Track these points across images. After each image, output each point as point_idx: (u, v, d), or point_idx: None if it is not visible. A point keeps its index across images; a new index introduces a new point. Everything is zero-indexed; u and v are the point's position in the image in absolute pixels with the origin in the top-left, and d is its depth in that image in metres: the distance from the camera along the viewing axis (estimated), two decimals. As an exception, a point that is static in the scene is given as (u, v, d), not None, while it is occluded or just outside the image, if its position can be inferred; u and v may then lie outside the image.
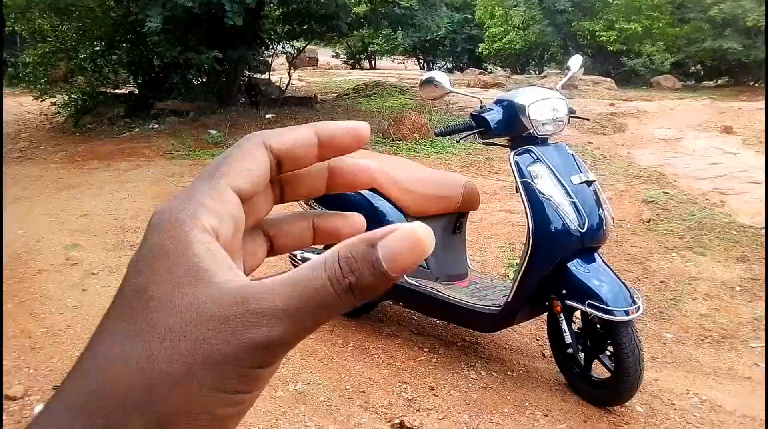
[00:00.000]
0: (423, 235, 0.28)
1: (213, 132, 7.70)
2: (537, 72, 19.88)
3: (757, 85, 14.40)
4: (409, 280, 2.80)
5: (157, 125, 8.33)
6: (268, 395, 2.60)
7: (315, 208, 3.18)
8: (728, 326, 3.11)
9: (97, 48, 8.81)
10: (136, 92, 9.53)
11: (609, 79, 14.32)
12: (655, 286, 3.57)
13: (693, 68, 16.63)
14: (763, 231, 4.26)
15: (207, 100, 8.84)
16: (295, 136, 0.33)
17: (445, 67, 24.10)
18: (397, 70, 22.71)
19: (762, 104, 10.03)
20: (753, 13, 13.08)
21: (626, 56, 15.84)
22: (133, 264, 0.29)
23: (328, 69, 21.99)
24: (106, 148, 7.26)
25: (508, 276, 3.61)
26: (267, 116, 8.48)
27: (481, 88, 13.43)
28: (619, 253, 4.03)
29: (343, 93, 12.13)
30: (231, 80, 9.25)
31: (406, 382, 2.69)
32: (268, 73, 10.49)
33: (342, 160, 0.37)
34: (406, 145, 7.07)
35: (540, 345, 2.97)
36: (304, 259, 3.19)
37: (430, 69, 23.57)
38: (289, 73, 9.91)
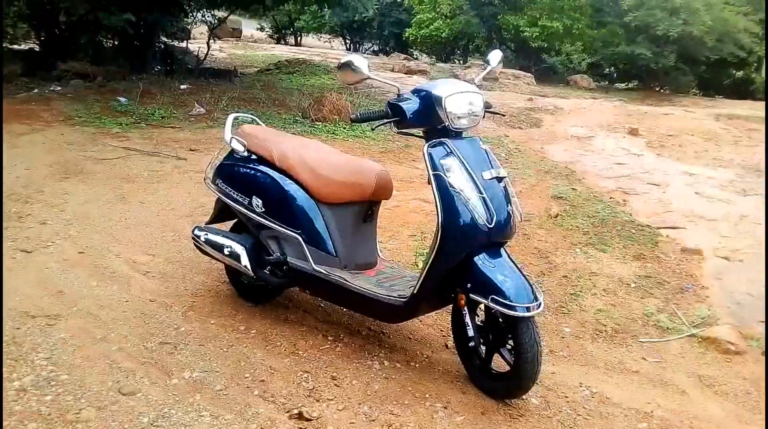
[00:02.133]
0: None
1: (122, 99, 7.27)
2: (461, 61, 20.15)
3: (661, 91, 15.24)
4: (316, 268, 2.74)
5: (59, 88, 7.76)
6: (162, 383, 2.47)
7: (222, 188, 3.05)
8: (621, 322, 3.25)
9: (-5, -2, 8.09)
10: (37, 50, 8.83)
11: (529, 74, 14.74)
12: (557, 281, 3.68)
13: (607, 70, 17.38)
14: (658, 231, 4.49)
15: (117, 65, 8.34)
16: None
17: (372, 49, 24.01)
18: (323, 48, 22.37)
19: (665, 110, 10.63)
20: (663, 22, 13.76)
21: (547, 53, 16.35)
22: None
23: (252, 42, 21.35)
24: None
25: (417, 265, 3.61)
26: (182, 86, 8.10)
27: (405, 73, 13.46)
28: (526, 247, 4.13)
29: (265, 68, 11.82)
30: (145, 46, 8.78)
31: (307, 372, 2.63)
32: (186, 42, 10.04)
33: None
34: (326, 126, 6.95)
35: (444, 336, 2.99)
36: (207, 241, 3.06)
37: (356, 50, 23.44)
38: (208, 43, 9.54)
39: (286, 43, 24.41)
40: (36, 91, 7.59)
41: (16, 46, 8.90)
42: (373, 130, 2.61)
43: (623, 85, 16.50)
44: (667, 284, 3.68)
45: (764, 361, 2.90)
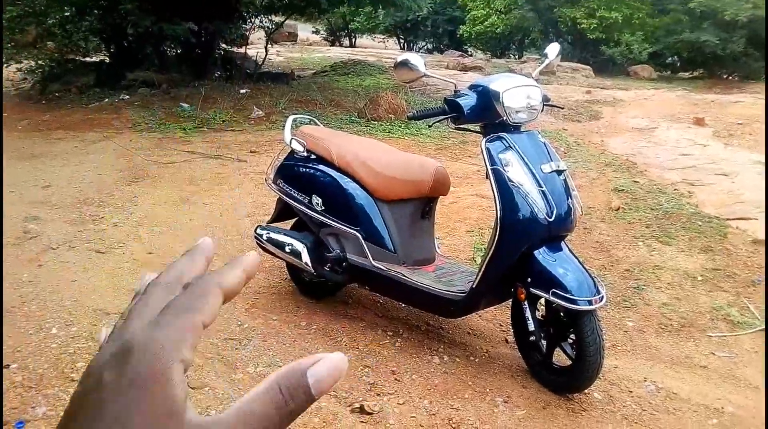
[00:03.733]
0: (340, 363, 0.35)
1: (185, 105, 7.54)
2: (517, 57, 19.87)
3: (730, 78, 14.59)
4: (375, 264, 2.78)
5: (127, 96, 8.12)
6: (227, 377, 2.57)
7: (283, 188, 3.13)
8: (688, 316, 3.16)
9: (68, 13, 8.52)
10: (107, 61, 9.27)
11: (587, 67, 14.39)
12: (620, 275, 3.60)
13: (670, 59, 16.76)
14: (727, 222, 4.32)
15: (180, 73, 8.65)
16: (240, 280, 0.38)
17: (426, 47, 23.95)
18: (377, 49, 22.48)
19: (734, 98, 10.17)
20: (731, 7, 13.19)
21: (605, 44, 15.91)
22: (100, 374, 0.32)
23: (308, 45, 21.66)
24: (73, 118, 7.06)
25: (475, 261, 3.61)
26: (241, 91, 8.32)
27: (460, 70, 13.38)
28: (586, 241, 4.06)
29: (321, 70, 11.98)
30: (206, 53, 9.06)
31: (368, 366, 2.68)
32: (245, 47, 10.30)
33: None
34: (381, 125, 7.01)
35: (503, 331, 2.98)
36: (269, 240, 3.14)
37: (410, 49, 23.42)
38: (266, 47, 9.74)
39: (341, 45, 24.65)
40: (107, 100, 7.97)
41: (88, 59, 9.34)
42: (430, 127, 2.65)
43: (687, 74, 15.88)
44: (737, 277, 3.54)
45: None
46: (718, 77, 14.69)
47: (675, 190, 5.12)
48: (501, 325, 3.03)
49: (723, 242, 3.96)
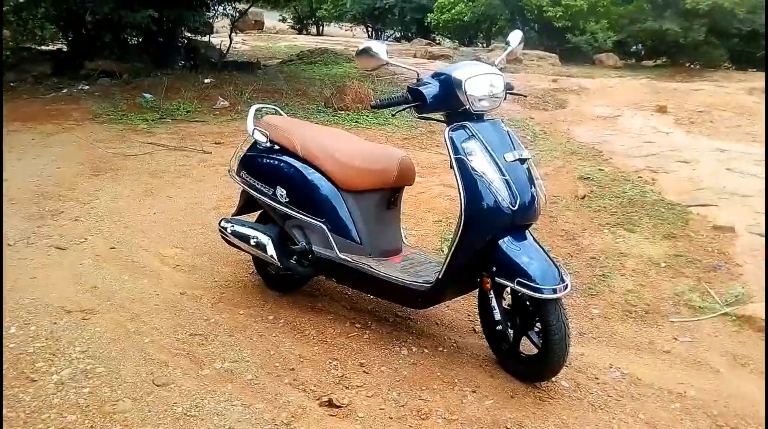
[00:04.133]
0: None
1: (148, 95, 7.37)
2: (484, 45, 19.89)
3: (691, 66, 14.84)
4: (342, 256, 2.75)
5: (87, 86, 7.90)
6: (194, 373, 2.52)
7: (246, 179, 3.08)
8: (652, 302, 3.21)
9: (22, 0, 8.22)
10: (65, 50, 8.98)
11: (554, 55, 14.48)
12: (585, 263, 3.64)
13: (634, 47, 16.96)
14: (689, 209, 4.40)
15: (142, 62, 8.44)
16: None
17: (394, 36, 23.83)
18: (345, 37, 22.33)
19: (696, 86, 10.37)
20: (692, -5, 13.37)
21: (571, 33, 15.99)
22: None
23: (274, 33, 21.40)
24: (30, 109, 6.83)
25: (443, 251, 3.60)
26: (206, 81, 8.17)
27: (427, 59, 13.36)
28: (553, 229, 4.09)
29: (287, 59, 11.85)
30: (168, 41, 8.87)
31: (336, 359, 2.66)
32: (209, 36, 10.10)
33: None
34: (348, 115, 6.95)
35: (471, 321, 2.99)
36: (234, 233, 3.09)
37: (378, 37, 23.30)
38: (230, 36, 9.58)
39: (308, 33, 24.39)
40: (65, 90, 7.74)
41: (44, 47, 9.04)
42: (393, 115, 2.62)
43: (651, 62, 16.10)
44: (698, 263, 3.61)
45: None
46: (681, 65, 14.93)
47: (639, 177, 5.19)
48: (469, 315, 3.04)
49: (685, 229, 4.03)
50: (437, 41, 20.41)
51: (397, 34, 23.92)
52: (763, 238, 3.92)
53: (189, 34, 9.63)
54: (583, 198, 4.62)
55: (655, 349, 2.80)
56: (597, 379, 2.55)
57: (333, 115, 6.96)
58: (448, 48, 16.23)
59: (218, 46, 10.04)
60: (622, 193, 4.71)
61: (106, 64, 8.26)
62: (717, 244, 3.83)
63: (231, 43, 9.63)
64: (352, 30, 25.71)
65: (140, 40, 8.86)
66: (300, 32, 24.29)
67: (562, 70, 13.04)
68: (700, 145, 6.27)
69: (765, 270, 3.41)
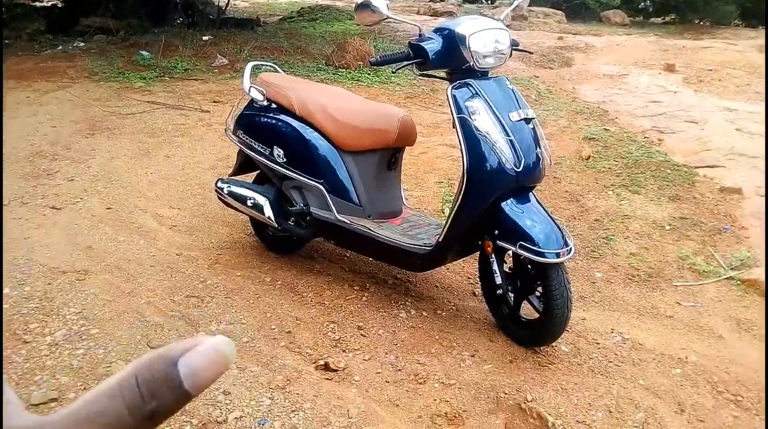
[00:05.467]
0: (225, 349, 0.28)
1: (145, 53, 7.20)
2: (489, 2, 19.42)
3: (701, 23, 14.49)
4: (340, 218, 2.69)
5: (82, 44, 7.72)
6: (190, 335, 2.49)
7: (243, 139, 3.00)
8: (655, 265, 3.15)
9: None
10: (60, 6, 8.76)
11: (560, 12, 14.13)
12: (589, 225, 3.58)
13: (642, 4, 16.54)
14: (695, 170, 4.31)
15: (139, 19, 8.22)
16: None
17: (397, -8, 23.28)
18: (347, -7, 21.82)
19: (705, 43, 10.12)
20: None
21: (578, -11, 15.59)
22: None
23: (275, -11, 20.91)
24: (25, 66, 6.69)
25: (444, 213, 3.54)
26: (204, 38, 7.97)
27: (431, 15, 13.05)
28: (557, 190, 4.02)
29: (288, 16, 11.57)
30: (166, -3, 8.63)
31: (334, 322, 2.63)
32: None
33: None
34: (350, 73, 6.80)
35: (471, 283, 2.94)
36: (231, 193, 3.03)
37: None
38: (227, -8, 9.31)
39: (309, -11, 23.83)
40: (60, 47, 7.57)
41: (38, 3, 8.82)
42: (394, 72, 2.52)
43: (660, 19, 15.71)
44: (704, 226, 3.54)
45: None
46: (690, 22, 14.57)
47: (645, 137, 5.09)
48: (469, 278, 2.99)
49: (691, 191, 3.95)
50: (441, -3, 19.91)
51: (401, -10, 23.33)
52: (771, 201, 3.84)
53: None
54: (587, 158, 4.53)
55: (657, 313, 2.75)
56: (598, 343, 2.52)
57: (334, 73, 6.80)
58: (452, 4, 15.84)
59: (217, 3, 9.79)
60: (627, 154, 4.61)
61: (102, 20, 8.04)
62: (723, 207, 3.76)
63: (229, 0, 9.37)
64: (354, -14, 25.11)
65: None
66: (301, -12, 23.71)
67: (568, 27, 12.74)
68: (708, 105, 6.13)
69: (764, 233, 3.35)
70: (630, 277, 3.04)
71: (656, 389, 2.26)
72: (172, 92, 6.09)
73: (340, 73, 6.79)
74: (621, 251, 3.28)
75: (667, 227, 3.52)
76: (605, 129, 5.25)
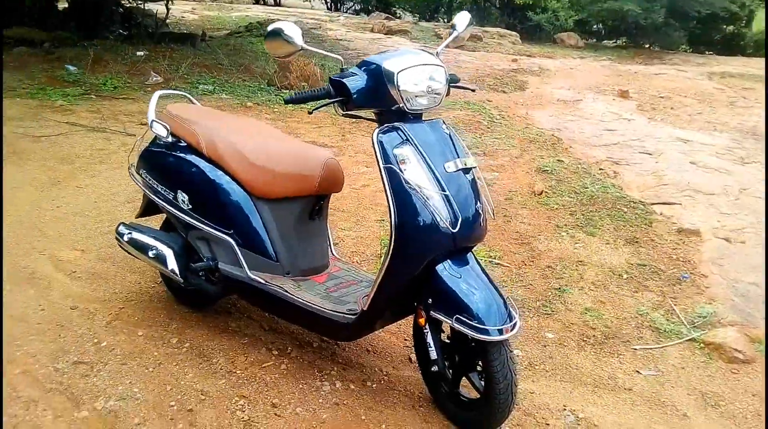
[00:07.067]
0: None
1: (71, 68, 6.67)
2: (446, 20, 19.37)
3: (651, 48, 14.68)
4: (253, 276, 2.30)
5: (2, 56, 7.14)
6: (68, 416, 2.08)
7: (146, 179, 2.60)
8: (612, 323, 2.85)
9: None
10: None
11: (515, 33, 14.10)
12: (541, 272, 3.27)
13: (595, 27, 16.71)
14: (652, 208, 4.09)
15: (68, 30, 7.65)
16: None
17: (353, 8, 23.06)
18: (303, 8, 21.44)
19: (657, 69, 10.14)
20: (654, -25, 13.13)
21: (532, 11, 15.63)
22: None
23: (228, 3, 20.41)
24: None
25: (380, 260, 3.18)
26: (138, 53, 7.47)
27: (384, 34, 12.82)
28: (506, 231, 3.71)
29: (235, 31, 11.13)
30: (99, 8, 8.07)
31: (244, 396, 2.23)
32: (154, 3, 9.29)
33: None
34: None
35: (408, 347, 2.58)
36: (131, 241, 2.61)
37: (337, 9, 22.50)
38: (167, 4, 8.81)
39: (265, 4, 23.36)
40: (-24, 60, 6.97)
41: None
42: (310, 113, 2.14)
43: (612, 42, 15.90)
44: (662, 273, 3.28)
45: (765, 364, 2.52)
46: (641, 46, 14.77)
47: (600, 169, 4.86)
48: (406, 339, 2.64)
49: (648, 232, 3.70)
50: (397, 15, 19.79)
51: (357, 7, 23.14)
52: (729, 244, 3.62)
53: (127, 1, 8.85)
54: (540, 194, 4.25)
55: (615, 385, 2.43)
56: (548, 425, 2.18)
57: (276, 95, 6.41)
58: (407, 22, 15.65)
59: (161, 15, 9.28)
60: (582, 189, 4.36)
61: (25, 31, 7.45)
62: (682, 251, 3.51)
63: (168, 11, 8.86)
64: (311, 1, 24.78)
65: (67, 5, 8.05)
66: (257, 2, 23.26)
67: (522, 48, 12.67)
68: (662, 134, 5.97)
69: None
70: (585, 339, 2.72)
71: (615, 486, 1.94)
72: (96, 112, 5.59)
73: (282, 94, 6.40)
74: (575, 305, 2.97)
75: (625, 276, 3.25)
76: (559, 160, 5.01)
